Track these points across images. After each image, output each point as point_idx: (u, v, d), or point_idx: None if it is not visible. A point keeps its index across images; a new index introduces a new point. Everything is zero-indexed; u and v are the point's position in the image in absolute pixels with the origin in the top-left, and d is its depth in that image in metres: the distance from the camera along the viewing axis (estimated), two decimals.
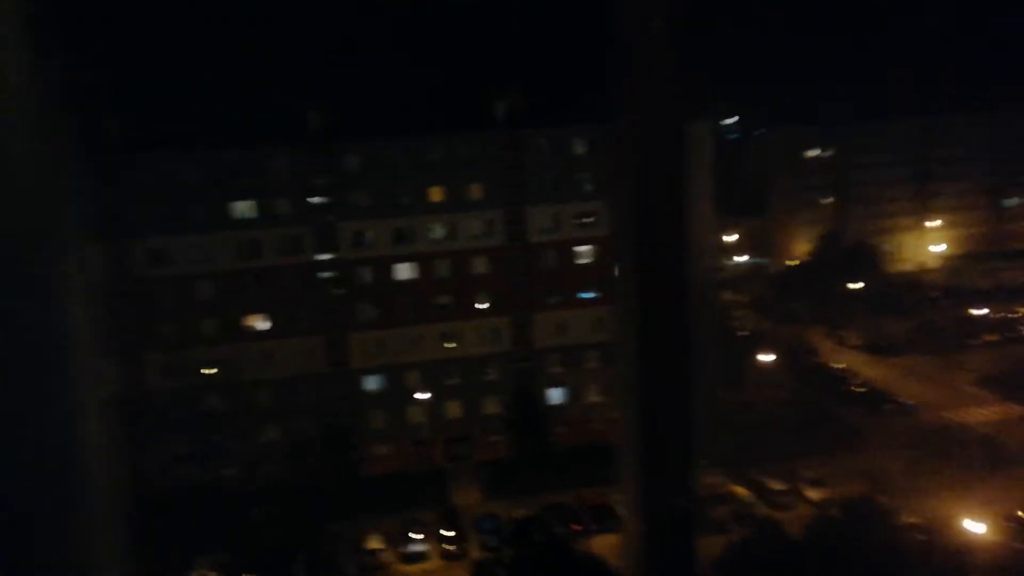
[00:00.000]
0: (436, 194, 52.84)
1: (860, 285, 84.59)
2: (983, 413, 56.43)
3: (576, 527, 42.22)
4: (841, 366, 68.34)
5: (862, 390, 62.07)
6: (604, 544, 35.55)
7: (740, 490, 45.67)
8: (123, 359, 47.88)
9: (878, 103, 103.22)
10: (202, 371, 49.63)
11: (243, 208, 50.81)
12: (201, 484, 39.43)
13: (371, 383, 52.78)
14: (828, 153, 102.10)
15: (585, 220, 54.21)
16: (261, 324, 51.38)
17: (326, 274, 52.12)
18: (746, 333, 79.82)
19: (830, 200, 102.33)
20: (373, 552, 41.98)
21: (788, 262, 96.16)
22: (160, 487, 37.57)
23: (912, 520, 37.09)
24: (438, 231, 52.94)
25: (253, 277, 50.85)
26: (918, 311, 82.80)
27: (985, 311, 78.77)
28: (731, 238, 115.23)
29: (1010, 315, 79.24)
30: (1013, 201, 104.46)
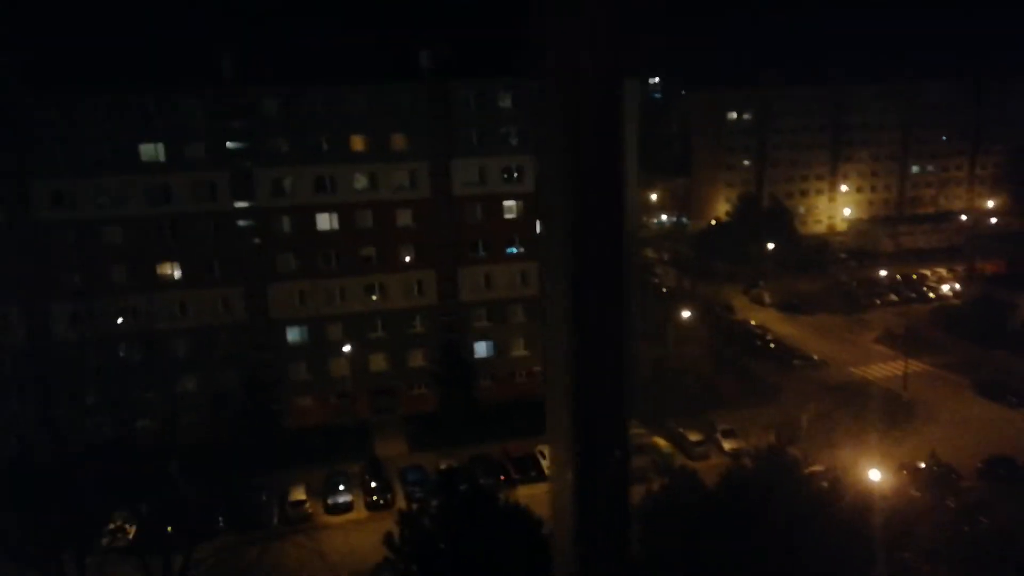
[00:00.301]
0: (358, 143, 51.32)
1: (774, 246, 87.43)
2: (886, 369, 59.54)
3: (502, 477, 42.63)
4: (755, 323, 70.74)
5: (774, 346, 64.48)
6: (529, 494, 36.01)
7: (659, 441, 46.97)
8: (25, 307, 45.15)
9: (797, 70, 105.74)
10: (112, 320, 47.28)
11: (152, 151, 48.21)
12: (115, 437, 37.79)
13: (293, 335, 51.52)
14: (748, 116, 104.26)
15: (511, 175, 53.76)
16: (175, 273, 49.25)
17: (244, 223, 50.21)
18: (666, 290, 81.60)
19: (749, 163, 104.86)
20: (297, 504, 41.42)
21: (708, 222, 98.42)
22: (71, 440, 35.85)
23: (818, 469, 38.93)
24: (361, 181, 51.58)
25: (166, 223, 48.54)
26: (827, 272, 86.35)
27: (889, 272, 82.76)
28: (653, 197, 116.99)
29: (912, 277, 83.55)
30: (919, 168, 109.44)
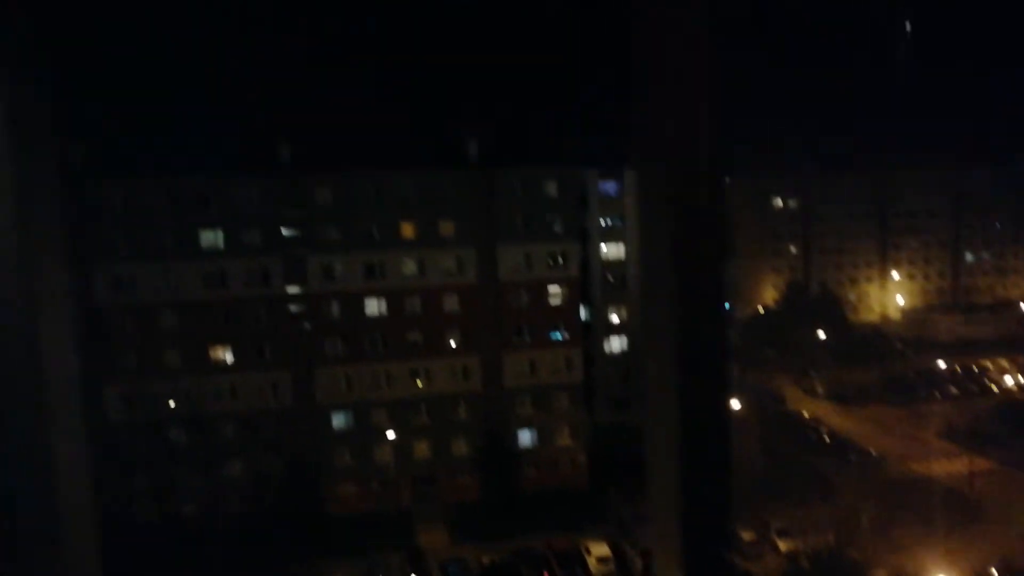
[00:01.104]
0: (408, 229, 52.44)
1: (825, 334, 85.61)
2: (949, 465, 56.83)
3: (545, 574, 41.25)
4: (808, 415, 68.62)
5: (829, 440, 62.27)
6: None
7: None
8: (83, 389, 46.11)
9: (841, 156, 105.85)
10: (164, 403, 48.03)
11: (211, 237, 49.86)
12: (160, 520, 37.82)
13: (338, 420, 51.57)
14: (793, 203, 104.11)
15: (556, 260, 54.16)
16: (226, 356, 50.08)
17: (294, 307, 51.16)
18: None
19: (795, 249, 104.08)
20: None
21: (755, 309, 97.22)
22: (118, 522, 35.91)
23: (881, 574, 36.86)
24: (409, 267, 52.43)
25: (219, 308, 49.71)
26: (882, 362, 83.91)
27: (947, 363, 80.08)
28: None
29: (972, 368, 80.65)
30: (973, 256, 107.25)
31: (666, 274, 2.97)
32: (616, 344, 59.04)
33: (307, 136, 53.27)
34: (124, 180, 48.64)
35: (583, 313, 56.55)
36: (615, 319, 59.10)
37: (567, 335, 54.31)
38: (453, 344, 52.88)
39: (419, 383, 52.41)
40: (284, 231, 50.83)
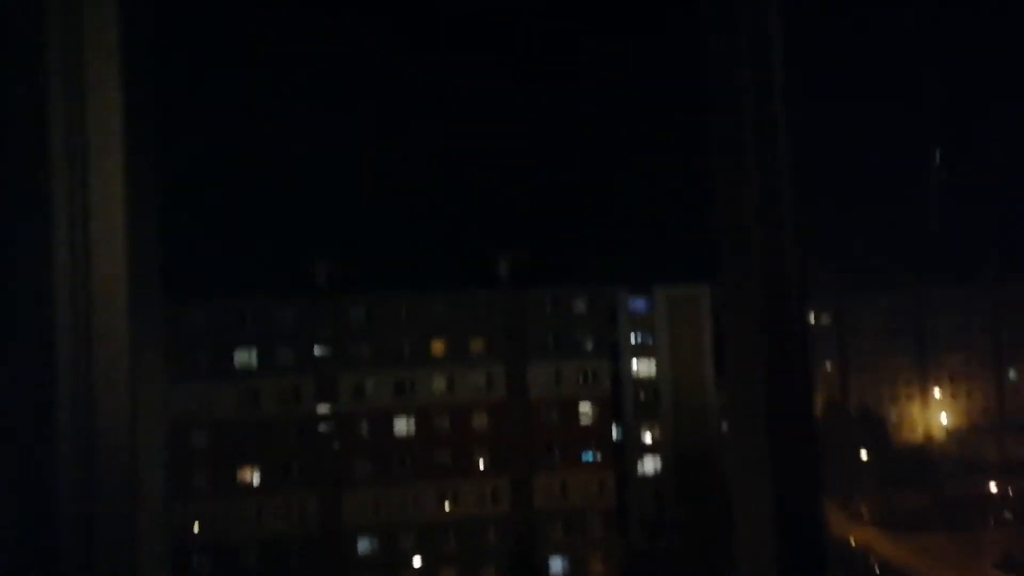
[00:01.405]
0: (438, 347, 52.77)
1: (868, 455, 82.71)
2: None
3: None
4: (855, 542, 65.36)
5: (879, 571, 58.97)
6: None
7: None
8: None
9: (874, 271, 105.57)
10: (188, 527, 47.36)
11: (245, 356, 50.59)
12: None
13: (363, 545, 50.21)
14: (826, 319, 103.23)
15: (587, 378, 53.79)
16: (253, 477, 49.65)
17: (324, 426, 51.04)
18: None
19: (831, 367, 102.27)
20: None
21: None
22: None
23: None
24: (438, 384, 52.39)
25: (250, 427, 49.74)
26: (929, 484, 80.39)
27: (999, 486, 76.42)
28: None
29: None
30: (1016, 373, 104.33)
31: (757, 391, 2.96)
32: (650, 465, 57.48)
33: (343, 256, 54.80)
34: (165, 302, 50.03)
35: (615, 432, 55.53)
36: (648, 439, 57.84)
37: (599, 455, 53.15)
38: (482, 464, 51.96)
39: (447, 506, 51.20)
40: (317, 349, 51.46)
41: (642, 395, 58.19)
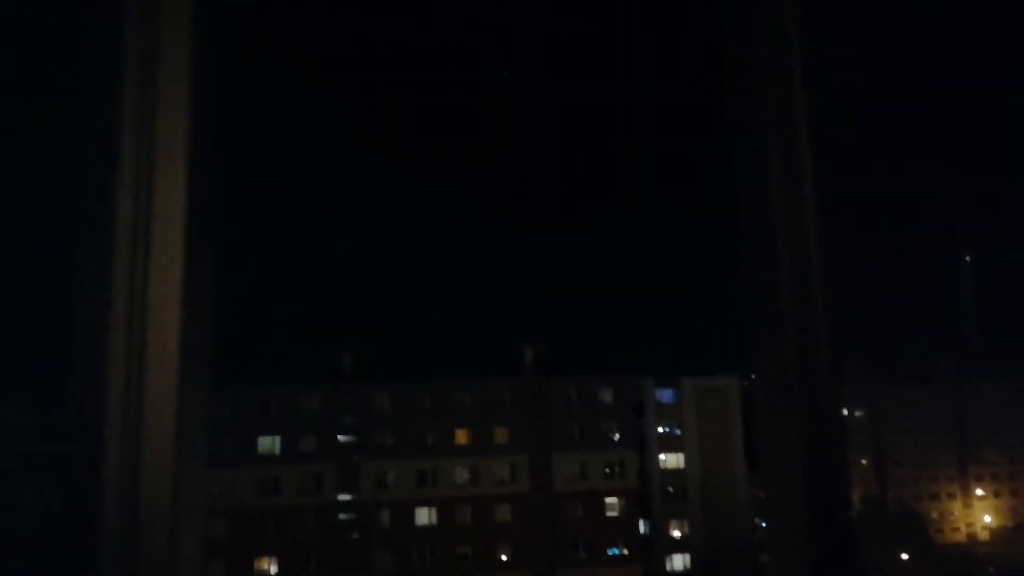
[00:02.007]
0: (462, 437, 52.28)
1: (908, 555, 78.98)
2: None
3: None
4: None
5: None
6: None
7: None
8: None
9: (910, 364, 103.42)
10: None
11: (268, 444, 50.47)
12: None
13: None
14: (860, 414, 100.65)
15: (613, 470, 52.68)
16: (271, 568, 48.66)
17: (344, 515, 50.24)
18: None
19: (867, 462, 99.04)
20: None
21: None
22: None
23: None
24: (461, 475, 51.61)
25: (269, 516, 49.10)
26: None
27: None
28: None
29: None
30: None
31: (794, 483, 2.96)
32: (679, 562, 55.41)
33: (368, 346, 55.20)
34: None
35: (642, 527, 53.90)
36: (676, 534, 55.99)
37: (626, 551, 51.48)
38: (504, 558, 50.50)
39: None
40: (340, 438, 51.23)
41: (670, 488, 56.69)
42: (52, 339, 1.94)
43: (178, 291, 2.10)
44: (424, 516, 50.56)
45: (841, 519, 3.13)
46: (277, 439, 50.60)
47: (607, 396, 54.23)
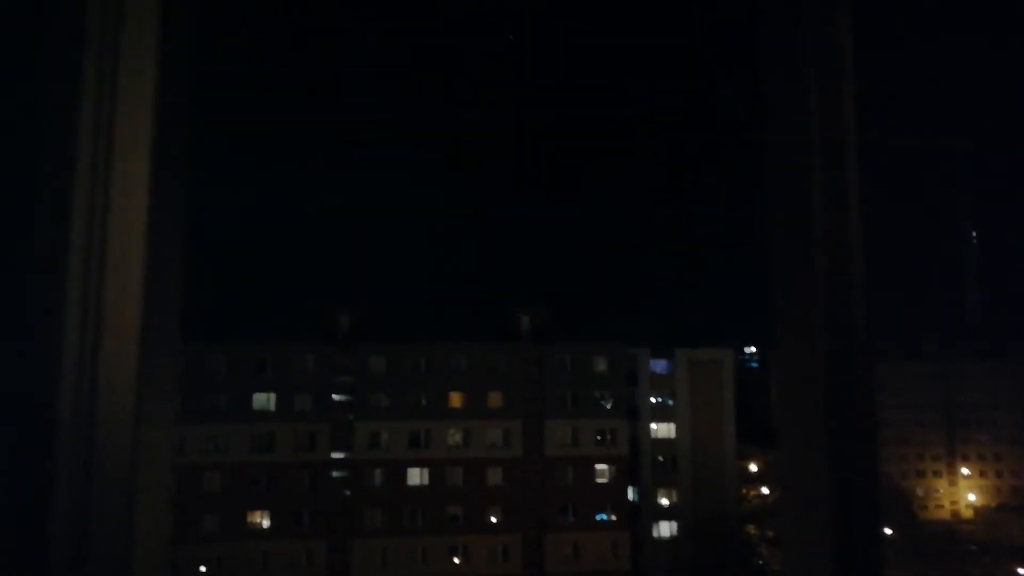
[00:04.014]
0: (456, 400, 52.65)
1: (891, 531, 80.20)
2: None
3: None
4: None
5: None
6: None
7: None
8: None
9: (898, 344, 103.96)
10: (195, 568, 46.98)
11: (263, 401, 50.81)
12: None
13: None
14: None
15: (604, 438, 53.20)
16: (263, 522, 49.33)
17: (337, 474, 50.79)
18: (772, 574, 74.83)
19: None
20: None
21: None
22: None
23: None
24: (454, 437, 52.10)
25: (263, 471, 49.64)
26: (954, 564, 77.64)
27: None
28: (753, 468, 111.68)
29: None
30: None
31: (818, 468, 2.83)
32: (666, 529, 56.31)
33: (366, 306, 55.37)
34: (188, 345, 50.60)
35: (631, 494, 54.62)
36: (665, 502, 56.79)
37: (614, 517, 52.22)
38: (494, 520, 51.24)
39: (457, 561, 50.38)
40: (335, 397, 51.58)
41: (660, 458, 57.34)
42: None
43: (141, 244, 2.03)
44: (416, 477, 51.16)
45: (868, 505, 3.04)
46: (272, 396, 50.95)
47: (601, 364, 54.55)
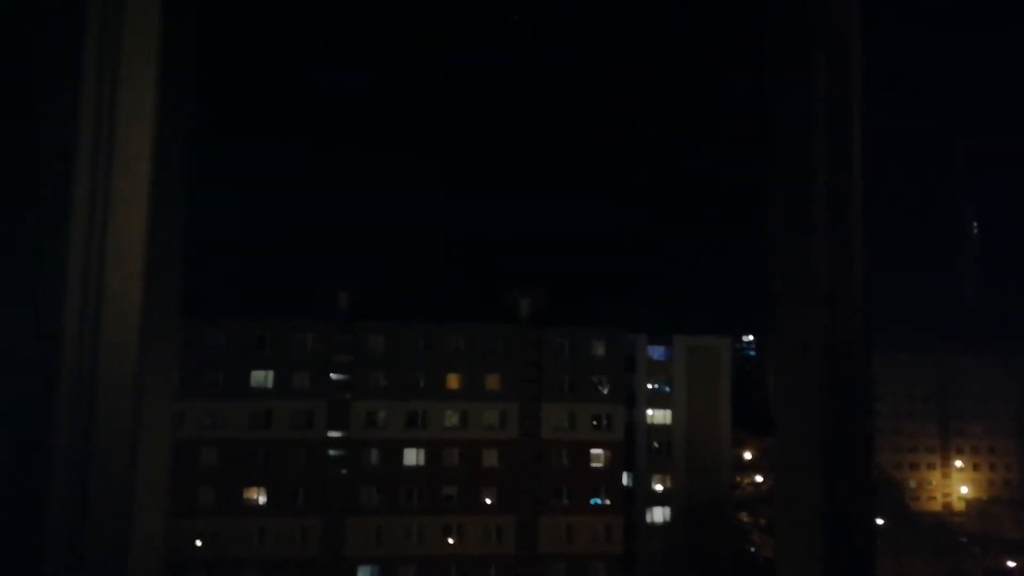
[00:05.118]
0: (453, 381, 52.74)
1: (883, 522, 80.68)
2: None
3: None
4: None
5: None
6: None
7: None
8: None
9: (893, 335, 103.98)
10: (191, 542, 47.25)
11: (261, 378, 50.88)
12: None
13: (364, 573, 49.78)
14: None
15: (600, 422, 53.38)
16: (259, 498, 49.58)
17: (334, 452, 50.99)
18: (763, 561, 75.34)
19: None
20: None
21: None
22: None
23: None
24: (451, 418, 52.26)
25: (260, 448, 49.82)
26: (945, 556, 78.14)
27: (1017, 564, 74.10)
28: (747, 455, 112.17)
29: None
30: None
31: (811, 455, 2.81)
32: (659, 514, 56.61)
33: (366, 286, 55.36)
34: (188, 321, 50.67)
35: (626, 479, 54.89)
36: (659, 488, 57.05)
37: (608, 501, 52.50)
38: (489, 501, 51.51)
39: (451, 541, 50.70)
40: (333, 376, 51.66)
41: (656, 443, 57.53)
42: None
43: (143, 219, 2.00)
44: (412, 457, 51.36)
45: (861, 496, 3.03)
46: (270, 374, 51.03)
47: (599, 349, 54.62)
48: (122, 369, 1.99)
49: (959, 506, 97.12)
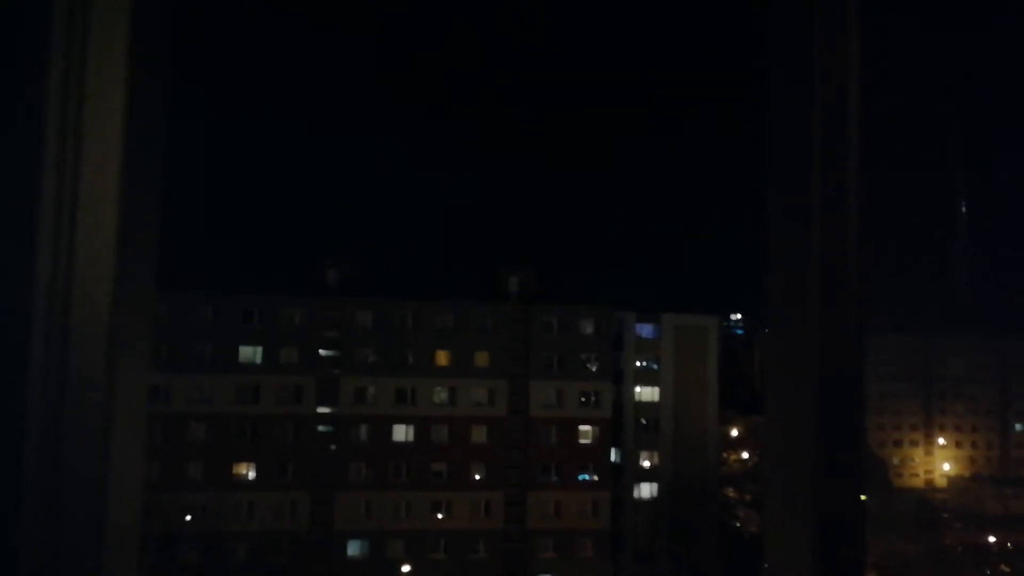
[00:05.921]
0: (442, 358, 52.80)
1: (865, 498, 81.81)
2: None
3: None
4: None
5: None
6: None
7: None
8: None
9: (880, 315, 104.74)
10: (180, 517, 47.36)
11: (249, 353, 50.76)
12: None
13: (353, 548, 50.10)
14: None
15: (588, 399, 53.65)
16: (249, 473, 49.68)
17: (322, 428, 51.06)
18: (748, 537, 76.31)
19: None
20: None
21: None
22: None
23: None
24: (440, 395, 52.38)
25: (248, 423, 49.83)
26: (927, 532, 79.37)
27: (997, 539, 75.41)
28: (734, 432, 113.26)
29: None
30: (1021, 427, 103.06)
31: (805, 437, 2.79)
32: (646, 491, 57.16)
33: (355, 262, 55.15)
34: (174, 293, 50.27)
35: (613, 455, 55.31)
36: (646, 464, 57.56)
37: (595, 477, 52.92)
38: (477, 477, 51.83)
39: (440, 516, 51.05)
40: (321, 351, 51.59)
41: (643, 420, 57.95)
42: None
43: (115, 189, 1.94)
44: (401, 433, 51.52)
45: (850, 474, 3.02)
46: (259, 349, 50.90)
47: (588, 327, 54.75)
48: (94, 343, 1.95)
49: (941, 483, 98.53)
